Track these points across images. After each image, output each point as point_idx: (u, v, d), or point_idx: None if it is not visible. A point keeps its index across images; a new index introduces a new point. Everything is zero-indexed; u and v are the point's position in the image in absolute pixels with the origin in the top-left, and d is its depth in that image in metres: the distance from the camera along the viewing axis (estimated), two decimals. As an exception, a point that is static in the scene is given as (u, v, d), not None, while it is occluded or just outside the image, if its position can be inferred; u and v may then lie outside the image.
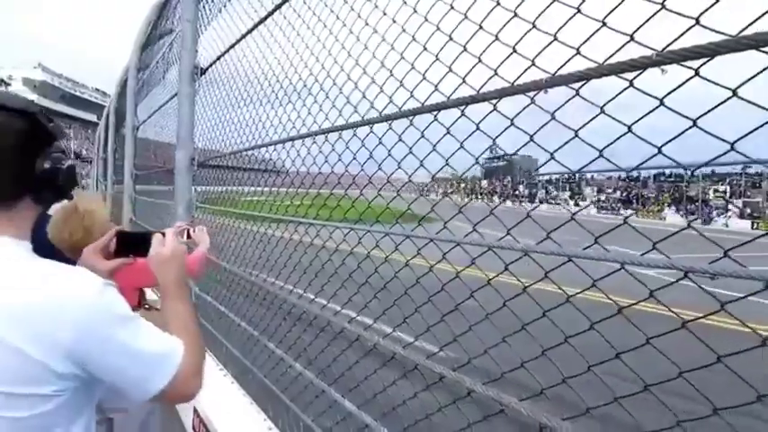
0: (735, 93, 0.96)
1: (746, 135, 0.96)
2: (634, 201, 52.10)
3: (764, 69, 0.91)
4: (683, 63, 1.00)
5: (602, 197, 55.43)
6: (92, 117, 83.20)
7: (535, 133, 1.39)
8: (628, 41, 1.11)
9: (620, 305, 1.23)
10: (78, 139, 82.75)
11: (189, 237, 3.13)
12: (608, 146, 1.22)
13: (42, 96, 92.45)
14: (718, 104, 0.98)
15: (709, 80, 1.00)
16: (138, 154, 8.54)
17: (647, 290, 1.16)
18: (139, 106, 8.58)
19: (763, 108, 0.92)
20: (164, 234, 1.35)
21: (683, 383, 1.10)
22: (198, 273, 2.77)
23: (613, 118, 1.18)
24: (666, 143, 1.09)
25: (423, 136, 1.78)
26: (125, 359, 1.04)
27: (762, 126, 0.89)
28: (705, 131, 1.02)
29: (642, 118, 1.11)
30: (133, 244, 1.41)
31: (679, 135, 1.08)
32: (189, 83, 4.51)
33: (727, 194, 45.12)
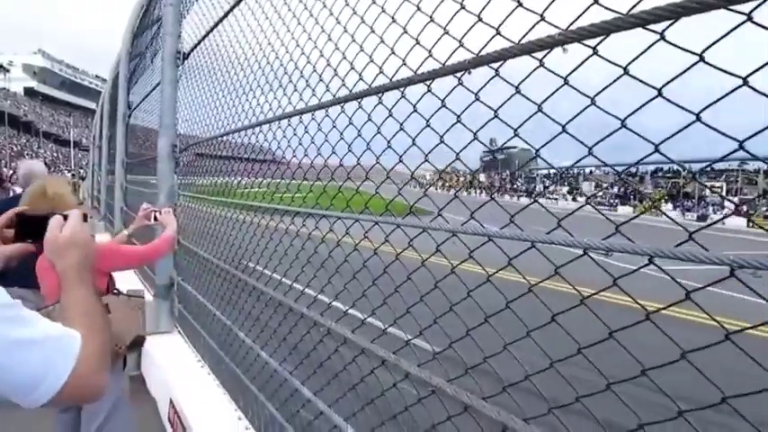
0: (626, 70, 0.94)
1: (758, 133, 0.86)
2: (631, 197, 52.08)
3: (651, 46, 0.91)
4: (583, 42, 0.97)
5: (599, 193, 55.35)
6: (92, 104, 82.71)
7: (499, 108, 1.33)
8: (538, 21, 1.13)
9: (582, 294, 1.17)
10: (78, 126, 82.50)
11: (156, 219, 3.11)
12: (599, 142, 1.12)
13: (42, 83, 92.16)
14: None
15: (605, 58, 1.00)
16: (135, 143, 8.46)
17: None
18: (134, 94, 8.50)
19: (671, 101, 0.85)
20: (66, 216, 1.18)
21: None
22: (164, 254, 2.79)
23: (607, 111, 1.08)
24: (663, 141, 0.99)
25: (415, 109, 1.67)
26: (3, 356, 0.86)
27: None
28: (716, 130, 0.92)
29: (633, 113, 1.03)
30: (34, 227, 1.24)
31: (679, 132, 0.98)
32: (171, 67, 4.44)
33: (723, 191, 45.11)
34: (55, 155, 72.25)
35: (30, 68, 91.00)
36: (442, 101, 1.47)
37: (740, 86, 0.84)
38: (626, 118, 1.03)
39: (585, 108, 1.09)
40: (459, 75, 1.40)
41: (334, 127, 2.07)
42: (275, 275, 2.63)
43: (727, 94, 0.87)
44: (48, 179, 2.58)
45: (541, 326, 1.19)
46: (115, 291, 2.41)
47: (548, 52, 1.14)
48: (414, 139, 1.61)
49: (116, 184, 9.15)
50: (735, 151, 0.88)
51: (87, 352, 0.95)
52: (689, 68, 0.92)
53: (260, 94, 2.82)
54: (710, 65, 0.89)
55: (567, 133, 1.17)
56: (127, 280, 6.24)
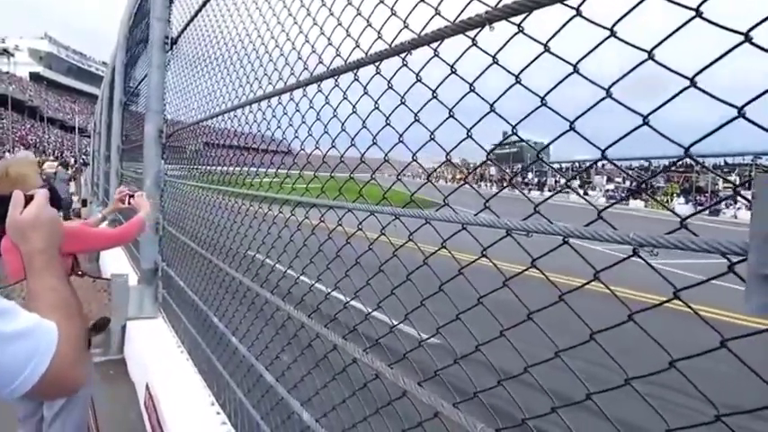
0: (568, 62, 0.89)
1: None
2: (643, 191, 51.56)
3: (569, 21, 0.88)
4: (509, 20, 0.95)
5: (612, 186, 54.98)
6: (98, 91, 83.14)
7: (476, 79, 1.23)
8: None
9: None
10: (84, 113, 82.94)
11: (129, 203, 3.15)
12: (616, 142, 1.01)
13: (48, 68, 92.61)
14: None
15: (529, 36, 0.97)
16: (136, 129, 8.48)
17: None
18: (133, 81, 8.52)
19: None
20: (31, 197, 1.13)
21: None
22: (135, 236, 2.84)
23: (630, 108, 0.94)
24: (694, 144, 0.87)
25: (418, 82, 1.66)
26: None
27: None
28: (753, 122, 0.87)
29: (655, 110, 0.92)
30: None
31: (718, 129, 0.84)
32: (160, 53, 4.46)
33: (737, 185, 44.49)
34: (59, 141, 72.72)
35: (36, 53, 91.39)
36: (416, 74, 1.41)
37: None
38: (648, 114, 0.90)
39: (600, 101, 0.98)
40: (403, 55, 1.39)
41: (327, 107, 2.05)
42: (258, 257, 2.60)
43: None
44: (11, 160, 2.62)
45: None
46: (79, 272, 2.43)
47: (478, 31, 1.15)
48: (418, 119, 1.58)
49: (111, 170, 9.22)
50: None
51: (65, 343, 0.92)
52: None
53: (244, 75, 2.73)
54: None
55: (575, 131, 1.06)
56: (116, 263, 6.32)
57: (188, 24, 4.05)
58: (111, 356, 4.53)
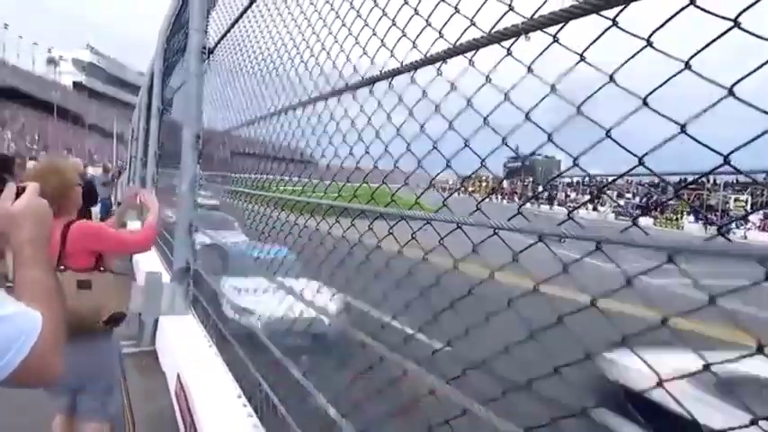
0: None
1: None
2: (653, 208, 50.71)
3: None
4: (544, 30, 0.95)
5: (621, 202, 54.08)
6: (134, 99, 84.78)
7: (511, 88, 1.22)
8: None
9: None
10: (121, 121, 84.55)
11: (140, 201, 3.17)
12: (653, 150, 0.95)
13: (90, 77, 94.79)
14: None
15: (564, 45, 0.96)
16: (171, 136, 8.58)
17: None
18: (169, 90, 8.67)
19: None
20: (23, 189, 1.10)
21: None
22: (153, 241, 2.84)
23: (666, 116, 0.92)
24: (732, 151, 0.82)
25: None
26: None
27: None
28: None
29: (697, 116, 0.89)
30: None
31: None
32: (197, 61, 4.53)
33: (749, 204, 43.54)
34: (98, 146, 74.21)
35: (79, 63, 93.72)
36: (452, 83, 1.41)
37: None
38: (685, 123, 0.87)
39: (634, 111, 0.94)
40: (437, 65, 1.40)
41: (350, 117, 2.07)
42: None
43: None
44: (60, 160, 2.70)
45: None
46: (101, 268, 2.46)
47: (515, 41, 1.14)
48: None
49: (147, 174, 9.37)
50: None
51: (47, 333, 0.92)
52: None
53: (279, 83, 2.74)
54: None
55: (612, 139, 1.01)
56: (149, 262, 6.41)
57: (224, 36, 4.11)
58: (143, 348, 4.58)
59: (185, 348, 3.76)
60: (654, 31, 0.88)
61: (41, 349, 0.90)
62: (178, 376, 3.42)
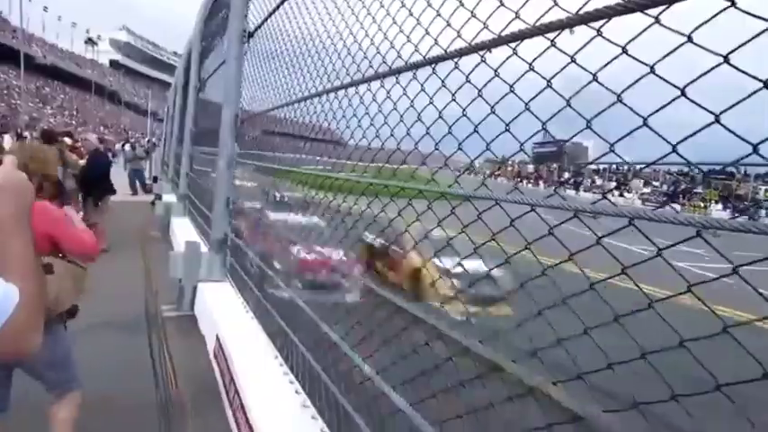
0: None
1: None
2: (680, 196, 49.43)
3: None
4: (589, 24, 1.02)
5: (648, 190, 52.90)
6: (168, 78, 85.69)
7: (553, 76, 1.28)
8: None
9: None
10: (156, 99, 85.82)
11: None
12: (684, 139, 1.03)
13: (126, 56, 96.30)
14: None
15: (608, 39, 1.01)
16: (203, 115, 8.78)
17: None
18: (204, 71, 8.84)
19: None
20: None
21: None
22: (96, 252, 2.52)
23: (700, 105, 0.99)
24: (762, 142, 0.89)
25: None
26: None
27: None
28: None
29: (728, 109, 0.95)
30: None
31: None
32: (237, 45, 4.66)
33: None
34: (133, 123, 75.59)
35: (115, 43, 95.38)
36: (495, 70, 1.47)
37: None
38: (720, 113, 0.94)
39: (673, 100, 1.00)
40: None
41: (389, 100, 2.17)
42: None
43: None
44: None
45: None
46: (61, 255, 2.34)
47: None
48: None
49: (183, 151, 9.62)
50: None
51: (25, 307, 0.92)
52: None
53: (321, 66, 2.81)
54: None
55: (649, 127, 1.08)
56: (187, 234, 6.65)
57: (265, 20, 4.22)
58: (182, 312, 4.82)
59: (223, 312, 3.97)
60: (695, 29, 0.96)
61: (18, 323, 0.89)
62: (217, 337, 3.62)
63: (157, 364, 3.75)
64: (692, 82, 0.98)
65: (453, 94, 1.62)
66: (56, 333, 2.36)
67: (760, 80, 0.87)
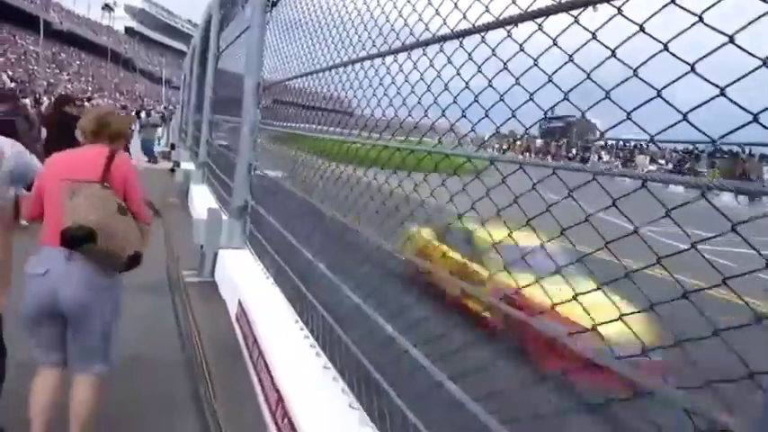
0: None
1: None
2: (685, 173, 48.82)
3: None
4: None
5: (654, 167, 52.30)
6: (182, 47, 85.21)
7: (575, 52, 1.34)
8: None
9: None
10: (170, 66, 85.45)
11: None
12: (694, 108, 1.07)
13: (141, 23, 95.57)
14: None
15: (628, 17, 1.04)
16: (223, 83, 8.76)
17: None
18: (222, 40, 8.81)
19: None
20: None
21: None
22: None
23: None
24: (762, 111, 0.95)
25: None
26: None
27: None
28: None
29: None
30: None
31: None
32: (261, 13, 4.66)
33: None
34: (148, 90, 75.55)
35: (131, 9, 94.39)
36: (521, 45, 1.56)
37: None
38: (726, 87, 0.99)
39: (684, 75, 1.07)
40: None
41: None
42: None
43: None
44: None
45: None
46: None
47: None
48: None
49: (203, 118, 9.65)
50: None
51: None
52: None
53: (347, 36, 2.83)
54: None
55: (663, 99, 1.12)
56: (206, 202, 6.75)
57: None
58: (204, 278, 4.93)
59: (244, 278, 4.08)
60: (705, 10, 1.00)
61: None
62: (239, 302, 3.74)
63: (182, 325, 3.88)
64: (700, 59, 1.05)
65: (479, 67, 1.65)
66: (114, 277, 2.24)
67: (759, 58, 0.94)
